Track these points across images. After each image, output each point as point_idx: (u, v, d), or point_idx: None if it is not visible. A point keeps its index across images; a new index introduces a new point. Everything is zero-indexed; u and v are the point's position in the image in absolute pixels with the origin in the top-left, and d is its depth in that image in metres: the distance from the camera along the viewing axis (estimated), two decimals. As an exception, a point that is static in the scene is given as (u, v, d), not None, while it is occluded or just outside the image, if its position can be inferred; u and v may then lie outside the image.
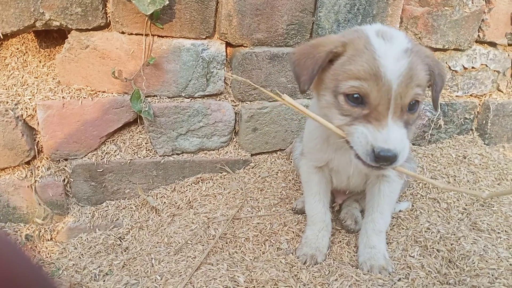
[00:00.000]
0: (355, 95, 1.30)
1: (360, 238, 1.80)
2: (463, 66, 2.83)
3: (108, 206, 2.27)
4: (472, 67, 2.85)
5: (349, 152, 1.42)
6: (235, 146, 2.52)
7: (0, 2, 1.89)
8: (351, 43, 1.34)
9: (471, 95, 2.94)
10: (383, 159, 1.25)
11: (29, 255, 0.65)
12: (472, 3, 2.64)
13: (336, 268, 1.67)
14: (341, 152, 1.64)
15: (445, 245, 1.77)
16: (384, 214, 1.79)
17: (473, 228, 1.93)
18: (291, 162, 2.56)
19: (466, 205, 2.13)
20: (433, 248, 1.77)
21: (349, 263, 1.75)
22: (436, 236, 1.83)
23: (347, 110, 1.33)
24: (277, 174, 2.47)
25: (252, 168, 2.52)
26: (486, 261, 1.67)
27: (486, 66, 2.89)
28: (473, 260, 1.68)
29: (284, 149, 2.62)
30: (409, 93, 1.28)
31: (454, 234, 1.83)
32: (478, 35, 2.79)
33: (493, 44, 2.90)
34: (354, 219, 1.95)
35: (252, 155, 2.55)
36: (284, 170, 2.49)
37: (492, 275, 1.60)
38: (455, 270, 1.66)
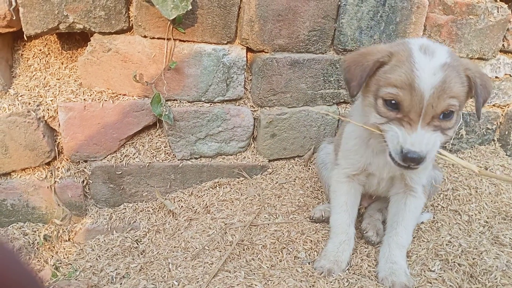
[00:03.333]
0: (392, 101, 1.43)
1: (382, 252, 1.78)
2: (486, 75, 2.78)
3: (125, 208, 2.28)
4: (496, 77, 2.80)
5: (385, 157, 1.57)
6: (253, 151, 2.51)
7: (25, 5, 1.90)
8: (396, 54, 1.46)
9: (494, 105, 2.89)
10: (409, 160, 1.38)
11: (25, 262, 0.64)
12: (498, 12, 2.60)
13: (355, 280, 1.64)
14: (380, 156, 1.72)
15: (467, 259, 1.74)
16: (408, 229, 1.79)
17: (495, 242, 1.89)
18: (309, 168, 2.55)
19: (487, 218, 2.10)
20: (454, 262, 1.73)
21: (368, 276, 1.73)
22: (458, 250, 1.79)
23: (384, 112, 1.46)
24: (294, 181, 2.45)
25: (270, 174, 2.50)
26: (509, 277, 1.64)
27: (510, 76, 2.84)
28: (495, 276, 1.64)
29: (302, 156, 2.60)
30: (441, 104, 1.38)
31: (476, 248, 1.80)
32: (503, 45, 2.74)
33: (517, 54, 2.85)
34: (376, 231, 1.93)
35: (270, 161, 2.54)
36: (302, 177, 2.47)
37: (515, 292, 1.57)
38: (477, 286, 1.63)
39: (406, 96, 1.39)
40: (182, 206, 2.27)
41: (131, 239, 2.12)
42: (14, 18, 1.93)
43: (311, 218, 2.09)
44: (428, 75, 1.36)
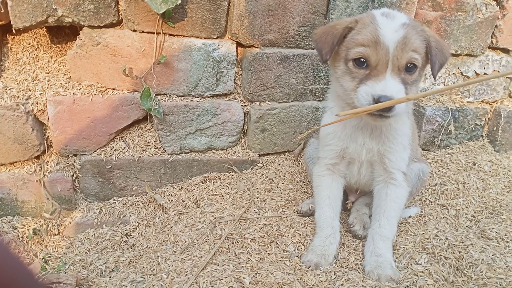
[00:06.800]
0: (361, 59, 1.58)
1: (367, 245, 1.80)
2: (475, 72, 2.81)
3: (115, 202, 2.28)
4: (484, 73, 2.83)
5: (361, 136, 1.78)
6: (243, 146, 2.52)
7: (14, -3, 1.90)
8: (361, 19, 1.63)
9: (482, 101, 2.92)
10: (382, 101, 1.47)
11: (17, 254, 0.65)
12: (486, 8, 2.62)
13: (343, 273, 1.66)
14: (356, 138, 1.81)
15: (453, 253, 1.76)
16: (390, 220, 1.80)
17: (482, 236, 1.91)
18: (299, 163, 2.56)
19: (475, 213, 2.12)
20: (441, 255, 1.75)
21: (355, 269, 1.74)
22: (444, 244, 1.81)
23: (355, 72, 1.61)
24: (284, 176, 2.46)
25: (260, 168, 2.51)
26: (494, 270, 1.66)
27: (499, 72, 2.86)
28: (481, 269, 1.67)
29: (292, 151, 2.61)
30: (404, 55, 1.53)
31: (463, 242, 1.82)
32: (491, 41, 2.77)
33: (506, 51, 2.87)
34: (363, 225, 1.95)
35: (260, 155, 2.55)
36: (291, 172, 2.48)
37: (500, 285, 1.59)
38: (463, 278, 1.65)
39: (372, 51, 1.54)
40: (172, 200, 2.27)
41: (121, 233, 2.13)
42: (2, 11, 1.92)
43: (298, 212, 2.10)
44: (391, 32, 1.52)
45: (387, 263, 1.69)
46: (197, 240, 1.91)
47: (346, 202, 2.08)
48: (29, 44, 2.24)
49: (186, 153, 2.38)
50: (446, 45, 1.69)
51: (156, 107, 2.15)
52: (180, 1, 1.97)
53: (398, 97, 1.48)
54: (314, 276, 1.65)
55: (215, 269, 1.68)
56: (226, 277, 1.62)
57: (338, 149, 1.85)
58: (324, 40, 1.67)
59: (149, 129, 2.32)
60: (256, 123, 2.42)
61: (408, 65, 1.56)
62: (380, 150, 1.79)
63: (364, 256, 1.78)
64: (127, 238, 2.11)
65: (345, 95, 1.69)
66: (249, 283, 1.58)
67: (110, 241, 2.08)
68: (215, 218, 2.06)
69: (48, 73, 2.18)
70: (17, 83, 2.10)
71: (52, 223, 2.15)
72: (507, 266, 1.68)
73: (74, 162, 2.19)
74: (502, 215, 2.08)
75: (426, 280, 1.63)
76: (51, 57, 2.25)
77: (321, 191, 1.92)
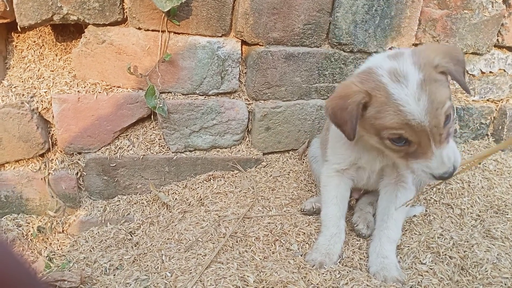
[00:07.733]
0: (399, 137, 1.45)
1: (372, 246, 1.79)
2: (480, 70, 2.79)
3: (119, 200, 2.28)
4: (490, 72, 2.81)
5: (376, 150, 1.69)
6: (247, 144, 2.51)
7: (19, -5, 1.90)
8: (373, 93, 1.46)
9: (487, 100, 2.90)
10: (447, 177, 1.45)
11: (18, 253, 0.64)
12: (492, 7, 2.61)
13: (347, 272, 1.65)
14: (368, 150, 1.75)
15: (458, 252, 1.75)
16: (398, 223, 1.80)
17: (487, 236, 1.90)
18: (303, 162, 2.55)
19: (479, 212, 2.11)
20: (445, 254, 1.74)
21: (359, 268, 1.74)
22: (449, 243, 1.80)
23: (397, 149, 1.51)
24: (289, 174, 2.46)
25: (264, 167, 2.51)
26: (499, 270, 1.65)
27: (504, 71, 2.85)
28: (486, 268, 1.66)
29: (297, 149, 2.61)
30: (440, 119, 1.39)
31: (467, 241, 1.81)
32: (497, 40, 2.75)
33: (512, 49, 2.86)
34: (367, 224, 1.94)
35: (264, 154, 2.54)
36: (296, 170, 2.48)
37: (505, 284, 1.58)
38: (468, 278, 1.64)
39: (408, 133, 1.42)
40: (176, 199, 2.27)
41: (125, 231, 2.13)
42: (8, 9, 1.92)
43: (302, 210, 2.10)
44: (416, 106, 1.37)
45: (393, 264, 1.68)
46: (201, 239, 1.91)
47: (349, 199, 2.07)
48: (34, 42, 2.24)
49: (191, 151, 2.38)
50: (458, 50, 1.59)
51: (160, 105, 2.15)
52: (185, -1, 1.97)
53: (454, 162, 1.43)
54: (319, 275, 1.64)
55: (219, 268, 1.68)
56: (230, 276, 1.61)
57: (350, 159, 1.82)
58: (340, 116, 1.53)
59: (153, 127, 2.32)
60: (261, 121, 2.41)
61: (446, 121, 1.43)
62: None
63: (369, 256, 1.77)
64: (131, 236, 2.11)
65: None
66: (253, 281, 1.58)
67: (114, 239, 2.08)
68: (219, 216, 2.06)
69: (53, 71, 2.19)
70: (22, 81, 2.11)
71: (57, 221, 2.16)
72: (512, 266, 1.67)
73: (79, 160, 2.19)
74: (507, 214, 2.07)
75: (431, 280, 1.62)
76: (56, 55, 2.25)
77: (328, 191, 1.90)
